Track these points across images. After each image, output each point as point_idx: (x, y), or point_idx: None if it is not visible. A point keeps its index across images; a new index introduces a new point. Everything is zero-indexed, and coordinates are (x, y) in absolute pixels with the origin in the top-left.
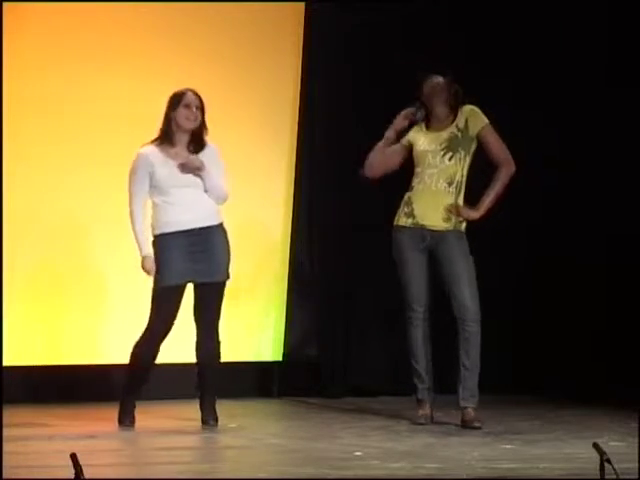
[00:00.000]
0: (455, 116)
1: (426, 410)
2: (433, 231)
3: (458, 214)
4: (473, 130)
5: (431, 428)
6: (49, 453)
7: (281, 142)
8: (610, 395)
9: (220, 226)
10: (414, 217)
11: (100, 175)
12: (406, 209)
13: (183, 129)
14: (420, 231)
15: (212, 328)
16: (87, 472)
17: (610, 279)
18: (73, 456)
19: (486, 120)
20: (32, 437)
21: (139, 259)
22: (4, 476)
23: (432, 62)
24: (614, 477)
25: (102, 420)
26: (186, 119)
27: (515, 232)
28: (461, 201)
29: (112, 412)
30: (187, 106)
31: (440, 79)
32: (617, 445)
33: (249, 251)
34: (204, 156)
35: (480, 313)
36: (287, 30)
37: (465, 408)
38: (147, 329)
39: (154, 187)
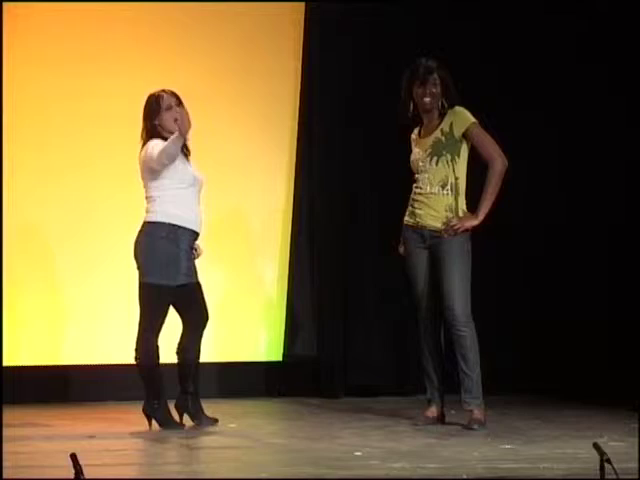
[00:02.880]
0: (442, 120)
1: (432, 412)
2: (432, 231)
3: (457, 228)
4: (458, 132)
5: (431, 428)
6: (49, 453)
7: (281, 141)
8: (610, 395)
9: None
10: (415, 217)
11: (100, 175)
12: (410, 208)
13: (170, 132)
14: (421, 231)
15: (203, 329)
16: (87, 472)
17: (611, 279)
18: (73, 456)
19: (472, 119)
20: (32, 437)
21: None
22: (4, 476)
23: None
24: (614, 477)
25: (102, 420)
26: (173, 122)
27: (516, 232)
28: (462, 201)
29: (112, 412)
30: (169, 109)
31: (433, 90)
32: (617, 445)
33: (249, 251)
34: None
35: (470, 316)
36: (287, 30)
37: (466, 410)
38: (147, 329)
39: (173, 178)
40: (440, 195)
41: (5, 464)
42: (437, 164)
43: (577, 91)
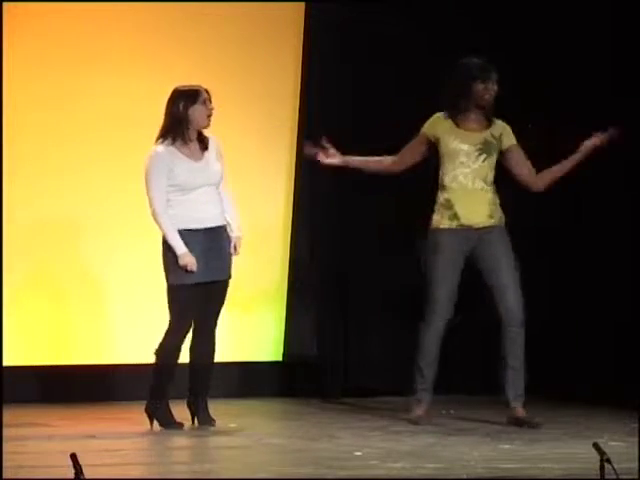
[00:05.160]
0: (489, 123)
1: (420, 411)
2: (479, 229)
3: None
4: (506, 143)
5: (431, 428)
6: (49, 453)
7: (281, 142)
8: (610, 395)
9: (225, 227)
10: (459, 218)
11: (100, 175)
12: (448, 212)
13: (200, 127)
14: (466, 232)
15: (212, 328)
16: (87, 472)
17: (611, 279)
18: (73, 456)
19: (515, 140)
20: (32, 437)
21: (140, 259)
22: (4, 476)
23: (433, 61)
24: (614, 477)
25: (102, 420)
26: (206, 116)
27: (524, 234)
28: (498, 201)
29: (112, 412)
30: (205, 102)
31: (495, 88)
32: (617, 445)
33: (249, 251)
34: (213, 150)
35: (523, 314)
36: (287, 30)
37: (515, 408)
38: (171, 329)
39: (174, 186)
40: (484, 191)
41: (5, 464)
42: (484, 162)
43: None
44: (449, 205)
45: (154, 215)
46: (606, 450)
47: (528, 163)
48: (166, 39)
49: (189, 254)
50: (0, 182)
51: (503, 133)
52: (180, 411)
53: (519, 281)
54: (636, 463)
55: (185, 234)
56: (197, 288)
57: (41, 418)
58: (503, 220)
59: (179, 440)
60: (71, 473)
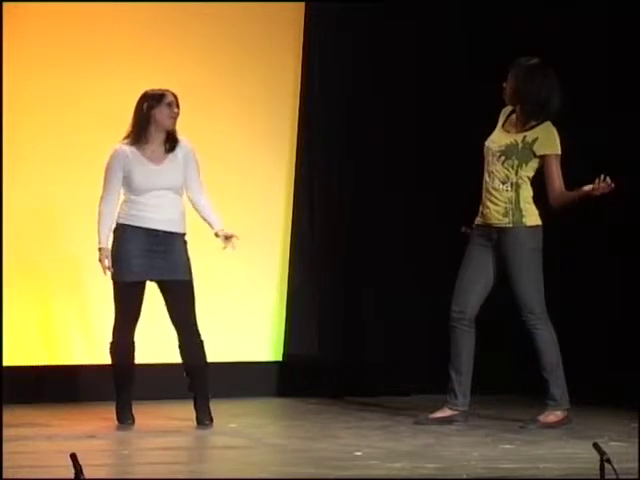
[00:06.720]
0: (530, 128)
1: (440, 413)
2: (497, 227)
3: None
4: (538, 150)
5: (431, 428)
6: (49, 453)
7: (281, 142)
8: (610, 395)
9: (183, 236)
10: (483, 216)
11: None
12: (480, 208)
13: (163, 128)
14: (488, 229)
15: (190, 328)
16: (87, 472)
17: (611, 279)
18: (73, 456)
19: (557, 150)
20: (32, 437)
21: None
22: (4, 476)
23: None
24: (614, 477)
25: (102, 420)
26: (169, 117)
27: None
28: (525, 194)
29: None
30: (170, 105)
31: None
32: (617, 445)
33: (249, 251)
34: (180, 154)
35: (543, 309)
36: (287, 30)
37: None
38: (114, 327)
39: (128, 185)
40: (501, 190)
41: (5, 464)
42: (503, 164)
43: None
44: (482, 202)
45: (98, 207)
46: (606, 450)
47: (556, 177)
48: (166, 39)
49: (105, 251)
50: (0, 183)
51: (539, 139)
52: (181, 411)
53: (534, 280)
54: (636, 463)
55: (126, 228)
56: (138, 287)
57: (41, 418)
58: (522, 220)
59: (179, 440)
60: (71, 473)
